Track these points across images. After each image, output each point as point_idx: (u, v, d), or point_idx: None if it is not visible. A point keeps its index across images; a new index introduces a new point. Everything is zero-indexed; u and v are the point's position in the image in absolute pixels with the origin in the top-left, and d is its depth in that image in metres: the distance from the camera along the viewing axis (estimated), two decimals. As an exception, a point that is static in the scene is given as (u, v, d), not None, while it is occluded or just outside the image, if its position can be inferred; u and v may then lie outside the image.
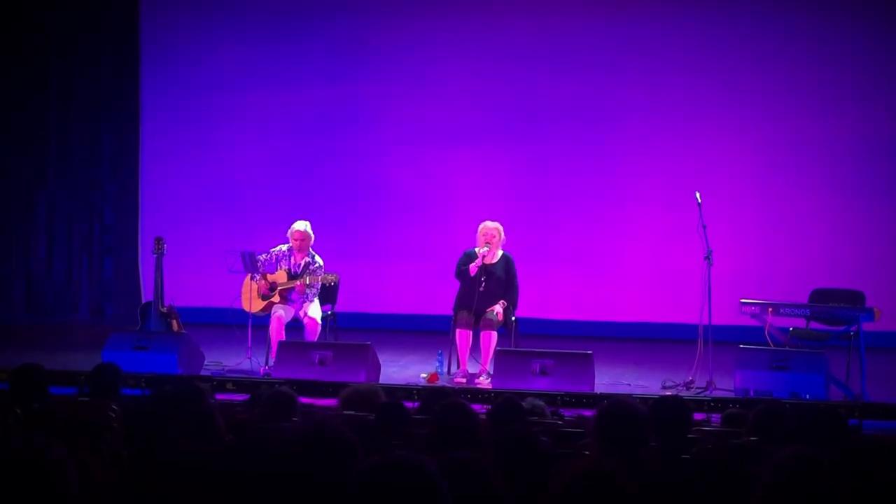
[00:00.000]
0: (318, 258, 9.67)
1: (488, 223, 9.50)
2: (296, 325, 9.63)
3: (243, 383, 8.59)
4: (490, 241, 9.39)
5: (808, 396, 8.17)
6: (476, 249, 9.45)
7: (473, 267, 9.34)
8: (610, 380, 9.23)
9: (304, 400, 6.08)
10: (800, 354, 8.53)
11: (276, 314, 9.46)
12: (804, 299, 9.39)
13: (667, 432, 4.61)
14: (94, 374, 6.34)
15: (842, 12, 11.99)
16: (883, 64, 11.87)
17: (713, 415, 7.62)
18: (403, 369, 9.82)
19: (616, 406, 4.17)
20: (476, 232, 9.52)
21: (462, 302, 9.42)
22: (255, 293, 9.64)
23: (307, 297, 9.51)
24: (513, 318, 9.48)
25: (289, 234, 9.67)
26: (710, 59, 12.07)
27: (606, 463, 3.39)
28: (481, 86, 12.41)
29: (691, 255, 10.16)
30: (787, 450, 3.08)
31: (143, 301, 11.06)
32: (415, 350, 10.65)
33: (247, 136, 12.82)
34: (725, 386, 8.66)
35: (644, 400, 5.19)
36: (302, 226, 9.61)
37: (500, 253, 9.47)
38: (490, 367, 9.03)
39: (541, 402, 6.35)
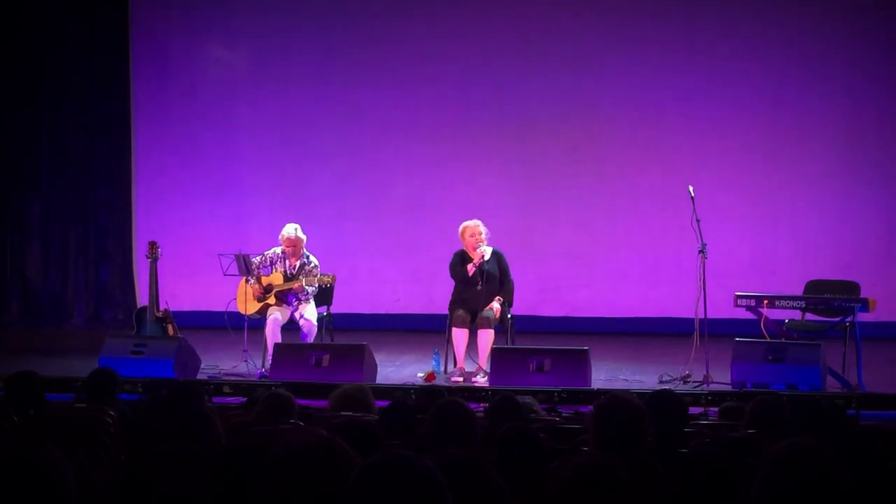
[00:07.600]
0: (312, 258, 9.64)
1: (469, 224, 9.40)
2: (292, 327, 9.61)
3: (240, 386, 8.57)
4: (481, 241, 9.36)
5: (804, 388, 8.18)
6: (464, 250, 9.40)
7: (471, 267, 9.31)
8: (606, 375, 9.24)
9: (301, 402, 6.08)
10: (796, 346, 8.54)
11: (272, 316, 9.43)
12: (799, 291, 9.41)
13: (663, 427, 4.61)
14: (91, 380, 6.35)
15: (833, 4, 12.00)
16: (876, 55, 11.87)
17: (710, 408, 7.64)
18: (400, 369, 9.81)
19: (614, 402, 4.18)
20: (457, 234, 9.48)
21: (458, 301, 9.40)
22: (250, 296, 9.60)
23: (307, 296, 9.49)
24: (509, 316, 9.47)
25: (279, 238, 9.63)
26: (701, 53, 12.08)
27: (605, 458, 3.39)
28: (475, 84, 12.39)
29: (685, 249, 10.16)
30: (784, 442, 3.08)
31: (139, 306, 11.04)
32: (411, 349, 10.64)
33: (239, 139, 12.80)
34: (722, 379, 8.66)
35: (640, 395, 5.19)
36: (290, 231, 9.53)
37: (490, 249, 9.44)
38: (487, 366, 9.02)
39: (531, 400, 6.35)
